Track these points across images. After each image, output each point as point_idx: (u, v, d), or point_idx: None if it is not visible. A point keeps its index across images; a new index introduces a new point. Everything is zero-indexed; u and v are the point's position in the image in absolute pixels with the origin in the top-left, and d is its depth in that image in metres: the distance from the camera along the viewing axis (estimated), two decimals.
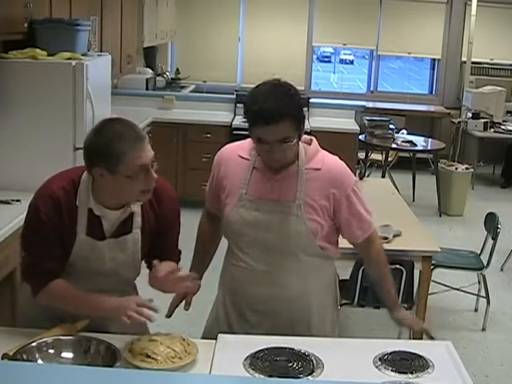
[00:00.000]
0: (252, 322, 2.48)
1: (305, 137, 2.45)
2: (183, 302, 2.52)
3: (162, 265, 2.23)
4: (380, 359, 2.19)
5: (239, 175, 2.43)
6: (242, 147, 2.48)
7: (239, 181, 2.43)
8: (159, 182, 2.28)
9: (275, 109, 2.20)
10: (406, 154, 7.89)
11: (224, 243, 2.66)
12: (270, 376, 2.05)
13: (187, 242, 2.57)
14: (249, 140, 2.47)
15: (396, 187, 5.45)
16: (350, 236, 2.50)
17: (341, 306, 3.36)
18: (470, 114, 8.68)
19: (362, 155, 7.56)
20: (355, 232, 2.48)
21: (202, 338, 2.50)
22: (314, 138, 2.48)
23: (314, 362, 2.14)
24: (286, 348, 2.21)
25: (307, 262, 2.42)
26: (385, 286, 2.58)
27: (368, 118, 7.79)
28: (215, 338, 2.29)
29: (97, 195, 2.21)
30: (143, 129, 6.22)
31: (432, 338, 2.52)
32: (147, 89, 7.60)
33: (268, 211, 2.38)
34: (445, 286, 4.84)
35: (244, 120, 2.33)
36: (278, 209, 2.37)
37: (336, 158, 2.48)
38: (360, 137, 7.20)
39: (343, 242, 2.55)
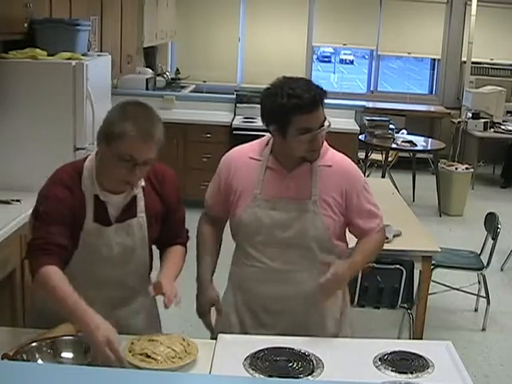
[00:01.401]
0: (266, 323, 2.49)
1: None
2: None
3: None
4: (380, 359, 2.19)
5: (251, 176, 2.45)
6: (252, 149, 2.52)
7: (252, 182, 2.45)
8: (158, 165, 2.39)
9: (315, 95, 2.30)
10: (406, 154, 7.89)
11: (225, 245, 2.66)
12: (270, 376, 2.05)
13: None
14: (258, 141, 2.52)
15: (396, 187, 5.45)
16: (360, 231, 2.50)
17: None
18: (469, 114, 8.67)
19: (362, 155, 7.56)
20: (364, 227, 2.49)
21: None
22: None
23: (314, 361, 2.14)
24: (285, 348, 2.21)
25: (321, 258, 2.44)
26: (360, 247, 2.50)
27: (368, 118, 7.80)
28: None
29: (100, 180, 2.25)
30: None
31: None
32: (147, 89, 7.60)
33: (285, 209, 2.41)
34: (445, 285, 4.83)
35: (262, 119, 2.40)
36: (294, 206, 2.41)
37: (343, 155, 2.53)
38: (360, 137, 7.20)
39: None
